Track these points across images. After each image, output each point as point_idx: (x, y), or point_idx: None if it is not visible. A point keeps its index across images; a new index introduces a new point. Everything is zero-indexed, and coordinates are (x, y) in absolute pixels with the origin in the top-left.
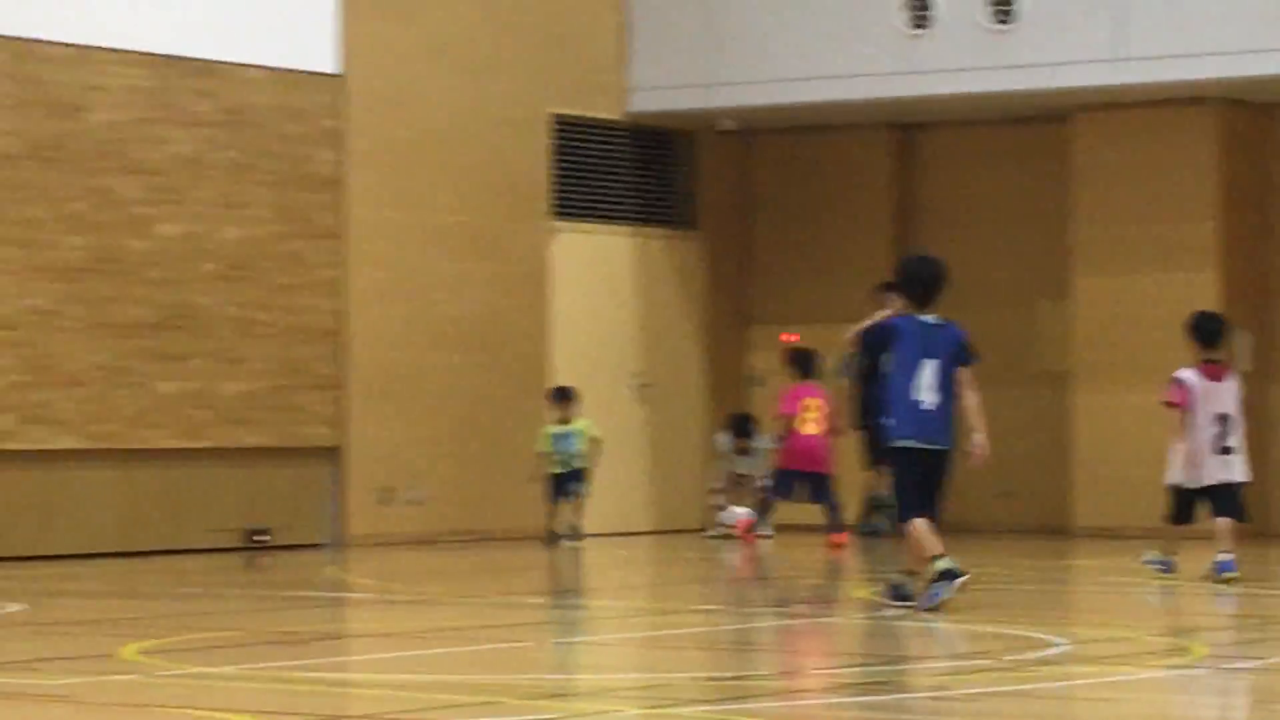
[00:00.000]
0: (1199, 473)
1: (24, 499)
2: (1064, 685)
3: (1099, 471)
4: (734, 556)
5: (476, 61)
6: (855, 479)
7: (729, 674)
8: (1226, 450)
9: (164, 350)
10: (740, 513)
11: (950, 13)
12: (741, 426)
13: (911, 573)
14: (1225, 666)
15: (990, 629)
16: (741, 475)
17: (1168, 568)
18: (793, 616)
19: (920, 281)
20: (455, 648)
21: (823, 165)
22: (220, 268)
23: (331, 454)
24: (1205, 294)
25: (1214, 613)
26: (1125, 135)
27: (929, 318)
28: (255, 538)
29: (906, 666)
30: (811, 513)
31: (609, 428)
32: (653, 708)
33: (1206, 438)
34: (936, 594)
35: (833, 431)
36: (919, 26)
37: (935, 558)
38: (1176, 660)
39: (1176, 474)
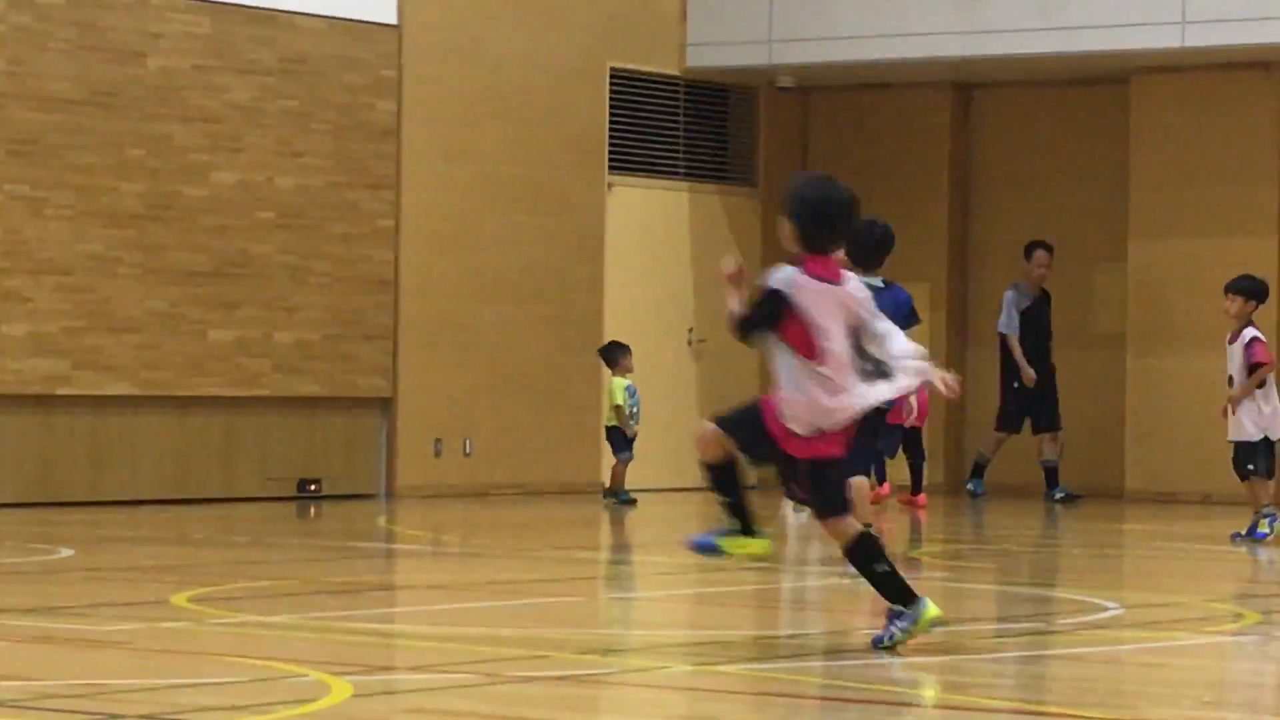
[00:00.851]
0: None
1: (77, 445)
2: (1115, 650)
3: (1151, 436)
4: (787, 513)
5: (535, 13)
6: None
7: (780, 632)
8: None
9: (218, 298)
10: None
11: None
12: None
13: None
14: (1278, 633)
15: (1043, 592)
16: None
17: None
18: (845, 575)
19: (867, 245)
20: (505, 601)
21: (881, 124)
22: (276, 216)
23: (384, 404)
24: (1264, 259)
25: (1266, 579)
26: (1186, 99)
27: (876, 280)
28: (307, 487)
29: (957, 628)
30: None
31: (663, 383)
32: (703, 664)
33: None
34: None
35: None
36: None
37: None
38: (1229, 626)
39: (1249, 429)
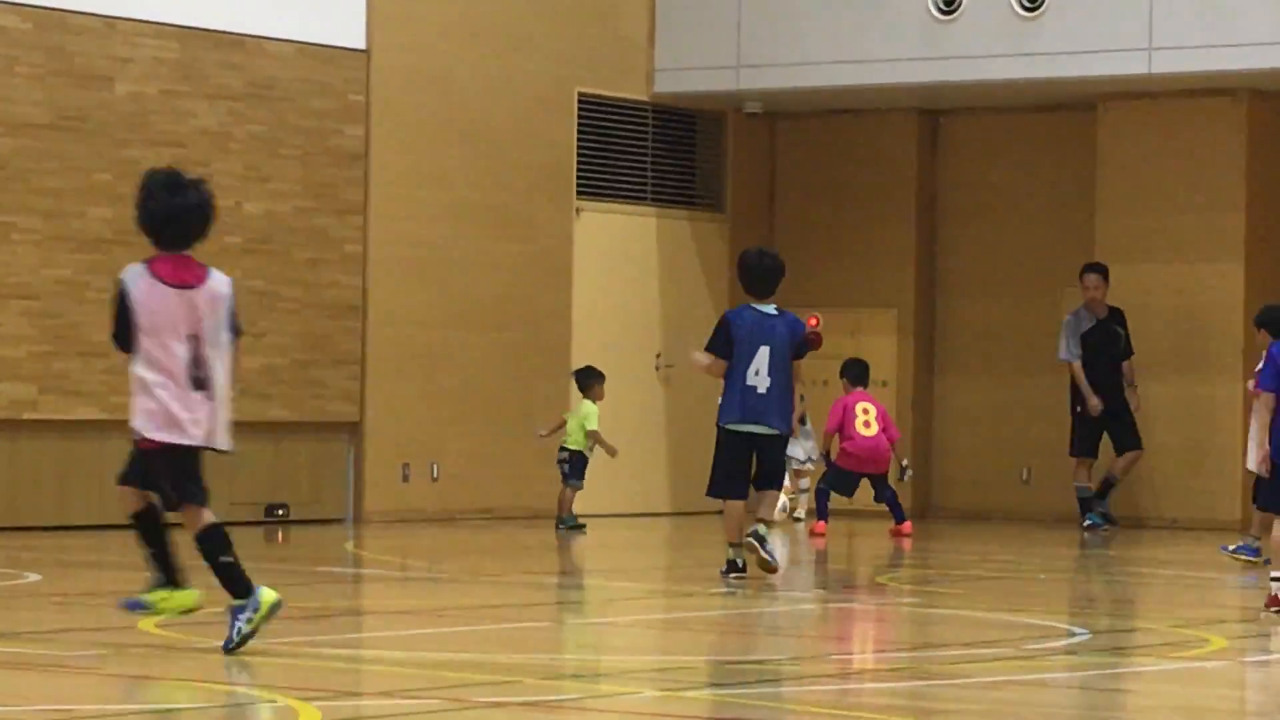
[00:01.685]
0: None
1: (44, 469)
2: (1083, 675)
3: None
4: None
5: (504, 39)
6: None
7: (747, 658)
8: None
9: None
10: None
11: None
12: None
13: (734, 545)
14: (1244, 659)
15: (1009, 617)
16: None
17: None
18: (814, 601)
19: (758, 274)
20: (472, 626)
21: (849, 150)
22: (244, 241)
23: (352, 430)
24: (1229, 286)
25: (1234, 605)
26: (1153, 125)
27: (769, 308)
28: (275, 512)
29: (924, 654)
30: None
31: (630, 408)
32: (670, 690)
33: None
34: (727, 571)
35: (888, 433)
36: (948, 12)
37: (731, 544)
38: (1196, 652)
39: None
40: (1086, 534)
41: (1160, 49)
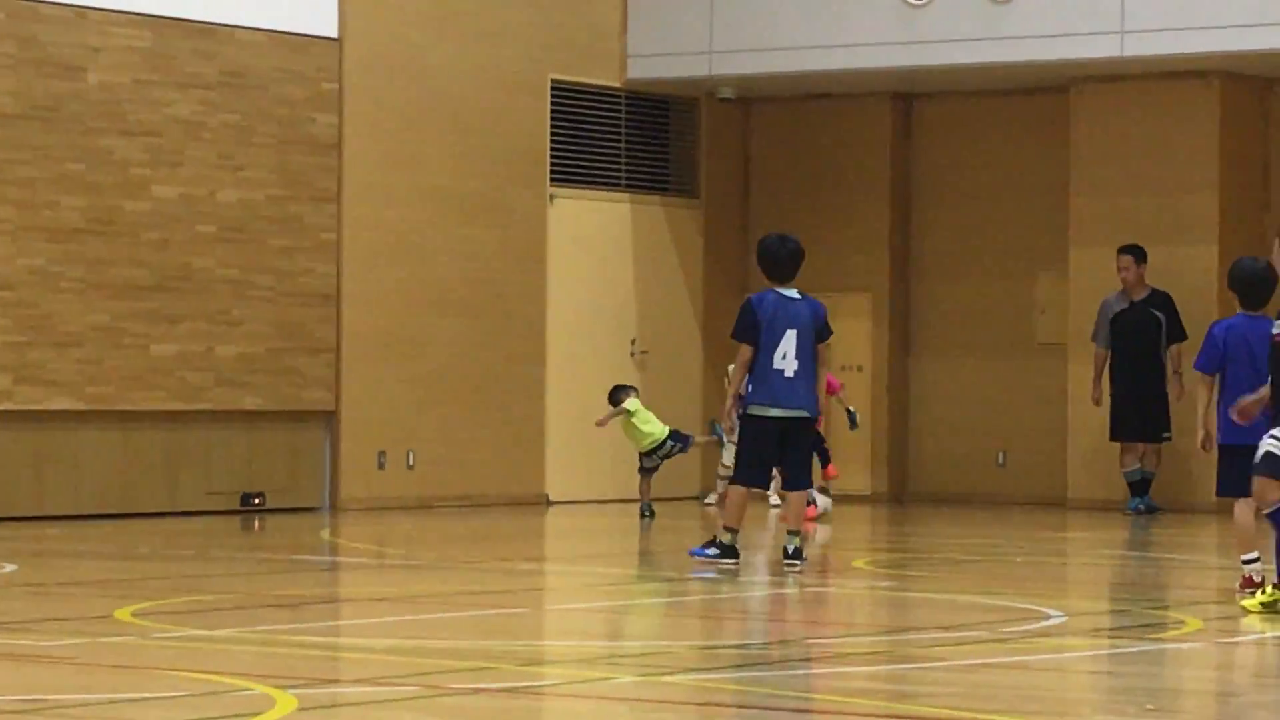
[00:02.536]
0: None
1: (19, 459)
2: (1059, 658)
3: (1094, 445)
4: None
5: (476, 26)
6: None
7: (726, 642)
8: None
9: (160, 312)
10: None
11: None
12: None
13: (732, 530)
14: (1218, 641)
15: (986, 600)
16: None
17: None
18: (793, 585)
19: (781, 258)
20: (449, 613)
21: (822, 134)
22: (218, 230)
23: (327, 418)
24: (1203, 267)
25: (1209, 586)
26: (1125, 108)
27: (792, 291)
28: (251, 501)
29: (902, 636)
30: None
31: (605, 394)
32: (648, 674)
33: None
34: (700, 552)
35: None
36: None
37: (729, 528)
38: (1171, 633)
39: None
40: (1130, 517)
41: (1132, 32)
